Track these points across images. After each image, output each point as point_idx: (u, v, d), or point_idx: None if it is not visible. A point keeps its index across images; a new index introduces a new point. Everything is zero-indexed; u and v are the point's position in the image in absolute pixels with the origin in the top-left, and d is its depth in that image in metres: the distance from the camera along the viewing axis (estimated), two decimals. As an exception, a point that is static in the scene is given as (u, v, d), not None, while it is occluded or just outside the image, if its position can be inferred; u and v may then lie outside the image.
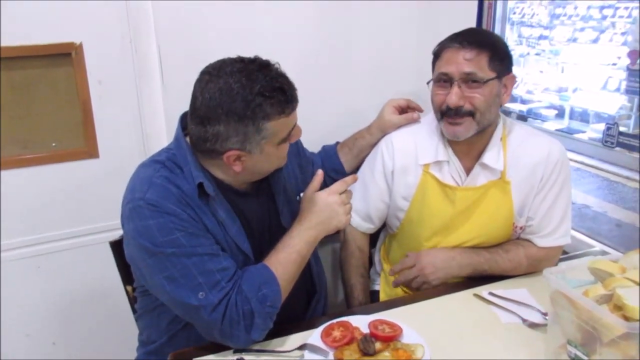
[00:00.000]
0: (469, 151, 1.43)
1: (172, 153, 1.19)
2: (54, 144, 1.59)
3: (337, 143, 1.66)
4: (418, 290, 1.45)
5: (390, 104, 1.56)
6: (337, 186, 1.25)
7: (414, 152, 1.46)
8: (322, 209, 1.22)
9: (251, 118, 1.09)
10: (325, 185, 1.56)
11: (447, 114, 1.35)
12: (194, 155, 1.17)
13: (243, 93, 1.07)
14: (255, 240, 1.26)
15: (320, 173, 1.27)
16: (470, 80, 1.31)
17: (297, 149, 1.50)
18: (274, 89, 1.09)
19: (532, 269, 1.44)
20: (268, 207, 1.32)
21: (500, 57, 1.33)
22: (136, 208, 1.11)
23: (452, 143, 1.43)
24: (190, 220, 1.12)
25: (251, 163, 1.16)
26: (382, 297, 1.63)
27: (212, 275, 1.11)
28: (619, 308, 0.94)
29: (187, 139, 1.20)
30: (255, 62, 1.12)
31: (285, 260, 1.19)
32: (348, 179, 1.27)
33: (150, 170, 1.16)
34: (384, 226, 1.65)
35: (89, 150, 1.61)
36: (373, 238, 1.68)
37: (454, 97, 1.32)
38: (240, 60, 1.12)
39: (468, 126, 1.35)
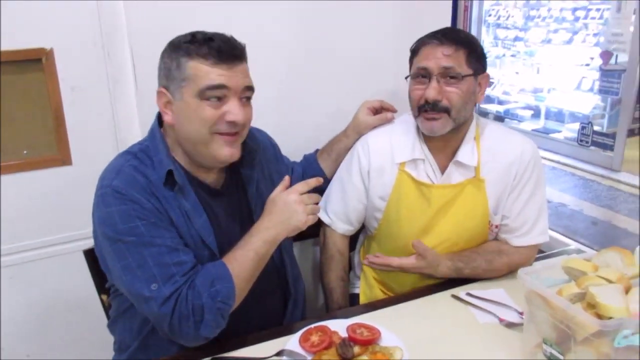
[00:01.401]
0: (444, 149, 1.44)
1: (146, 145, 1.22)
2: (25, 152, 1.55)
3: (317, 150, 1.67)
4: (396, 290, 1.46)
5: (364, 106, 1.57)
6: (298, 186, 1.24)
7: (389, 152, 1.47)
8: (282, 208, 1.21)
9: (176, 51, 1.15)
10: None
11: (424, 108, 1.37)
12: (165, 145, 1.21)
13: (182, 36, 1.17)
14: (223, 237, 1.25)
15: (286, 178, 1.27)
16: (448, 75, 1.33)
17: (276, 155, 1.50)
18: (208, 38, 1.15)
19: (510, 271, 1.45)
20: (240, 206, 1.32)
21: (476, 55, 1.36)
22: (102, 195, 1.14)
23: (427, 141, 1.44)
24: (154, 210, 1.13)
25: (176, 113, 1.18)
26: (362, 299, 1.62)
27: (168, 268, 1.11)
28: (592, 306, 0.95)
29: (162, 130, 1.24)
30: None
31: (242, 257, 1.17)
32: (311, 180, 1.26)
33: (121, 160, 1.20)
34: (362, 228, 1.65)
35: (62, 157, 1.58)
36: (352, 241, 1.68)
37: (432, 91, 1.34)
38: None
39: (444, 122, 1.36)
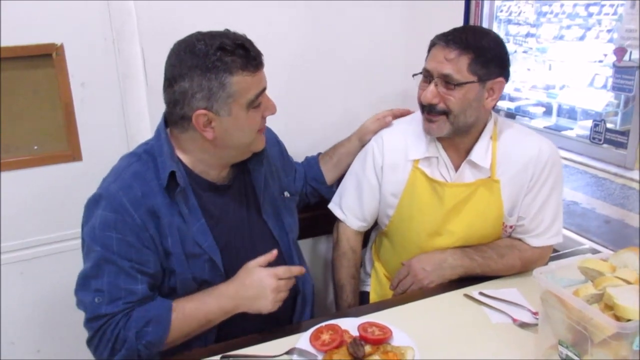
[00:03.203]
0: (458, 148, 1.43)
1: (151, 145, 1.22)
2: (35, 147, 1.55)
3: (319, 154, 1.68)
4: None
5: (375, 116, 1.58)
6: (281, 270, 1.21)
7: (403, 148, 1.46)
8: (254, 285, 1.19)
9: (213, 71, 1.10)
10: (305, 194, 1.59)
11: (425, 109, 1.37)
12: (170, 146, 1.20)
13: (205, 49, 1.11)
14: (229, 234, 1.26)
15: (274, 253, 1.24)
16: (446, 80, 1.31)
17: (282, 152, 1.50)
18: (236, 46, 1.12)
19: (523, 270, 1.44)
20: (248, 201, 1.32)
21: (484, 61, 1.31)
22: (97, 195, 1.17)
23: (440, 139, 1.43)
24: (134, 227, 1.13)
25: (221, 129, 1.15)
26: (373, 297, 1.62)
27: (117, 291, 1.13)
28: (609, 308, 0.94)
29: (168, 130, 1.23)
30: (222, 30, 1.16)
31: (191, 315, 1.17)
32: (294, 268, 1.24)
33: (124, 163, 1.21)
34: (374, 225, 1.64)
35: (72, 153, 1.58)
36: (363, 238, 1.67)
37: (428, 94, 1.34)
38: (208, 30, 1.17)
39: (441, 125, 1.36)
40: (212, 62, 1.10)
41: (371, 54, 1.81)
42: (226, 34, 1.15)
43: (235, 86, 1.12)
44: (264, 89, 1.19)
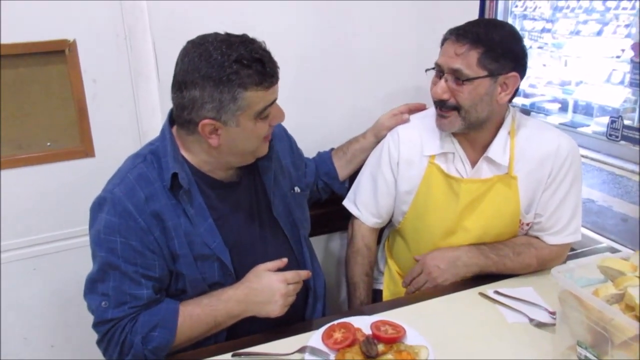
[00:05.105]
0: (474, 144, 1.41)
1: (156, 145, 1.21)
2: (48, 144, 1.56)
3: (332, 149, 1.67)
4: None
5: (391, 111, 1.57)
6: (291, 275, 1.21)
7: (419, 144, 1.45)
8: (264, 290, 1.19)
9: (227, 84, 1.08)
10: (317, 190, 1.56)
11: (437, 105, 1.36)
12: (175, 146, 1.19)
13: (221, 59, 1.07)
14: (239, 232, 1.25)
15: (284, 260, 1.23)
16: (456, 76, 1.29)
17: (291, 146, 1.49)
18: (253, 60, 1.09)
19: (540, 268, 1.42)
20: (257, 197, 1.30)
21: (495, 55, 1.28)
22: (101, 198, 1.16)
23: (456, 134, 1.41)
24: (138, 231, 1.13)
25: (228, 137, 1.14)
26: (386, 295, 1.60)
27: (123, 296, 1.14)
28: (631, 308, 0.92)
29: (174, 129, 1.22)
30: (240, 36, 1.13)
31: (199, 319, 1.17)
32: (303, 272, 1.24)
33: (129, 164, 1.20)
34: (387, 223, 1.62)
35: (84, 149, 1.59)
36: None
37: (438, 90, 1.32)
38: (226, 34, 1.13)
39: (453, 120, 1.34)
40: (227, 74, 1.07)
41: (382, 50, 1.79)
42: (244, 42, 1.10)
43: (247, 100, 1.10)
44: (274, 100, 1.17)
